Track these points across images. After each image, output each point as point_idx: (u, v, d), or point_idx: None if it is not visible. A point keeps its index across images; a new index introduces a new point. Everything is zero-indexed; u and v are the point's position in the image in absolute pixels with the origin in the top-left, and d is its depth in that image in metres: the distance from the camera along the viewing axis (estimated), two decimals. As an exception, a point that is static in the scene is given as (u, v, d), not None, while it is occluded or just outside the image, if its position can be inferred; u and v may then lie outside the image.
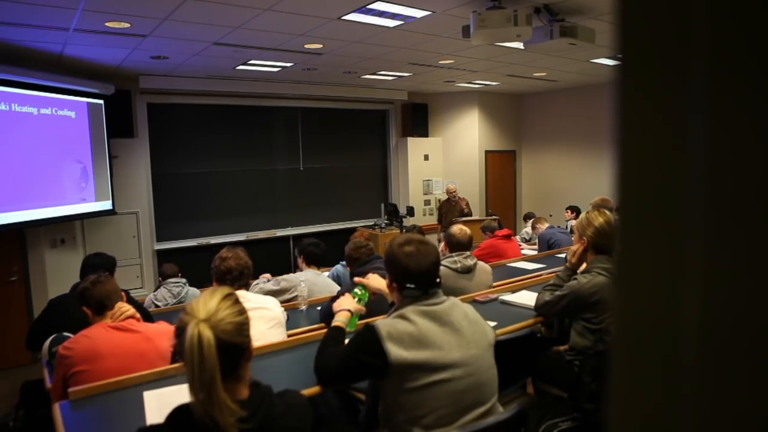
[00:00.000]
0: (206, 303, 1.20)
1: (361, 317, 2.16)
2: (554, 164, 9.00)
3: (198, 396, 1.14)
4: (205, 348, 1.13)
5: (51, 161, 5.09)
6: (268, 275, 3.65)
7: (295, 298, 3.30)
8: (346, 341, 1.87)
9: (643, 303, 0.32)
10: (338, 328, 1.98)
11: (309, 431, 1.35)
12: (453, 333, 1.69)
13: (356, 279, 2.25)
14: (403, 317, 1.68)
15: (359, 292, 2.16)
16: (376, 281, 2.20)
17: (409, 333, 1.64)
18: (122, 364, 2.00)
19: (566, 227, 6.15)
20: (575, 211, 6.46)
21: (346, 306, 2.09)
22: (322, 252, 3.66)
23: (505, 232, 5.07)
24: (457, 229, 3.27)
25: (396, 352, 1.60)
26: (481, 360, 1.71)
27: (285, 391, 1.35)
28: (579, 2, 3.91)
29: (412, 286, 1.72)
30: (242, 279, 2.46)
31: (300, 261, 3.67)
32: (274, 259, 7.12)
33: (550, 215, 8.00)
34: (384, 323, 1.68)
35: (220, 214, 7.14)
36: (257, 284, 3.37)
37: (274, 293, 3.34)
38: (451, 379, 1.63)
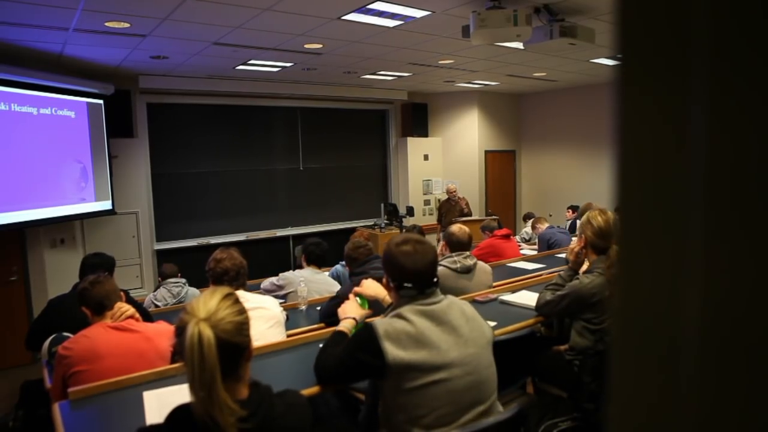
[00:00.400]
0: (206, 302, 1.20)
1: None
2: (554, 164, 9.00)
3: (198, 395, 1.14)
4: (206, 347, 1.13)
5: (51, 161, 5.09)
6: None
7: (294, 293, 3.32)
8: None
9: (643, 303, 0.32)
10: (341, 333, 1.98)
11: (309, 431, 1.35)
12: (450, 332, 1.68)
13: (354, 289, 2.25)
14: (400, 317, 1.68)
15: (359, 301, 2.17)
16: (370, 288, 2.21)
17: (406, 332, 1.64)
18: (122, 364, 2.00)
19: (566, 227, 6.15)
20: (576, 210, 6.46)
21: (352, 314, 2.09)
22: (321, 252, 3.66)
23: (504, 231, 5.07)
24: (457, 228, 3.27)
25: (393, 351, 1.60)
26: (480, 358, 1.71)
27: (285, 391, 1.35)
28: (579, 2, 3.91)
29: (410, 285, 1.72)
30: (239, 279, 2.46)
31: (302, 260, 3.70)
32: (274, 259, 7.13)
33: (550, 215, 8.00)
34: (381, 322, 1.68)
35: (220, 214, 7.14)
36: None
37: (274, 288, 3.40)
38: (450, 379, 1.63)
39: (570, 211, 6.76)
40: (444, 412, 1.62)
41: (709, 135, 0.30)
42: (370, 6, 3.81)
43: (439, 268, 2.93)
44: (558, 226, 5.86)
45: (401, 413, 1.63)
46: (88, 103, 5.51)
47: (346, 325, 2.02)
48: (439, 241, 7.30)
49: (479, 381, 1.69)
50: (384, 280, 1.86)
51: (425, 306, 1.70)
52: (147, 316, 2.73)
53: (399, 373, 1.61)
